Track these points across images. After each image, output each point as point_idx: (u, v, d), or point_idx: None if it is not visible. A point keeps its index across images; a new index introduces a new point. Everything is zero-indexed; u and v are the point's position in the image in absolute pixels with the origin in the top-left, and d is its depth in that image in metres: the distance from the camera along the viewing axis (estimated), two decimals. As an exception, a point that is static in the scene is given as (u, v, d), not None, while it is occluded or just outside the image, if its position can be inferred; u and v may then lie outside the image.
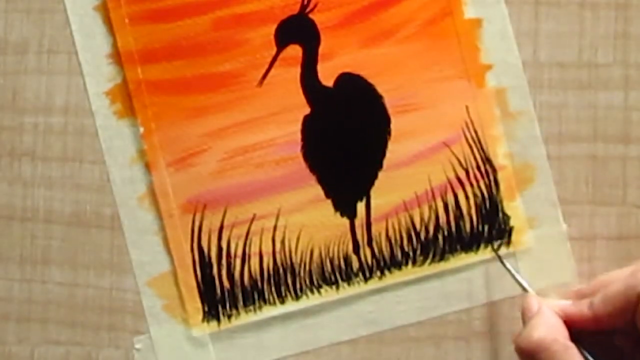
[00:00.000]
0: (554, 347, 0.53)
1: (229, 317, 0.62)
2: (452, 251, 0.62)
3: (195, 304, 0.61)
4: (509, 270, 0.60)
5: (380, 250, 0.62)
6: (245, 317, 0.62)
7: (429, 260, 0.62)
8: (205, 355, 0.61)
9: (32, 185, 0.63)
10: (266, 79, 0.62)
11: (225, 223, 0.62)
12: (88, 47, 0.62)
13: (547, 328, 0.54)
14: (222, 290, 0.62)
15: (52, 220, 0.62)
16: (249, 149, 0.62)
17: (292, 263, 0.62)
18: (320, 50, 0.62)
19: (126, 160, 0.62)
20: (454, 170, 0.62)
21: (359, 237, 0.62)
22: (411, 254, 0.62)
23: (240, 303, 0.62)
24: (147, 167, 0.62)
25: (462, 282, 0.62)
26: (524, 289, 0.59)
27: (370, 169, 0.62)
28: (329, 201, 0.62)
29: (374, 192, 0.62)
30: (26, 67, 0.63)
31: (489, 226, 0.62)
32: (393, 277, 0.62)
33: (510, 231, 0.62)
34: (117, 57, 0.62)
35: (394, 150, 0.62)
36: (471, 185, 0.62)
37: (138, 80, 0.62)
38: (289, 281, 0.62)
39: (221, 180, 0.62)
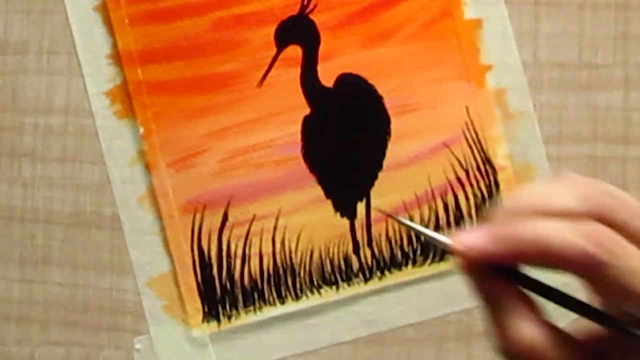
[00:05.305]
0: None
1: (229, 317, 0.62)
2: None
3: (195, 305, 0.61)
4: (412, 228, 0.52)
5: (380, 251, 0.62)
6: (245, 318, 0.62)
7: (428, 261, 0.62)
8: (205, 355, 0.61)
9: (32, 186, 0.63)
10: (266, 80, 0.62)
11: (226, 224, 0.62)
12: (88, 48, 0.62)
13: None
14: (222, 291, 0.62)
15: (52, 220, 0.62)
16: (249, 149, 0.62)
17: (292, 263, 0.62)
18: (320, 50, 0.62)
19: (126, 160, 0.62)
20: (454, 171, 0.62)
21: (359, 237, 0.62)
22: (411, 254, 0.62)
23: (240, 303, 0.62)
24: (147, 167, 0.62)
25: (462, 282, 0.62)
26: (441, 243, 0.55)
27: (370, 170, 0.62)
28: (329, 202, 0.62)
29: (374, 193, 0.62)
30: (26, 68, 0.63)
31: (489, 227, 0.62)
32: (393, 278, 0.62)
33: (510, 232, 0.62)
34: (117, 57, 0.62)
35: (394, 151, 0.62)
36: (471, 185, 0.62)
37: (138, 80, 0.62)
38: (289, 281, 0.62)
39: (221, 180, 0.62)
